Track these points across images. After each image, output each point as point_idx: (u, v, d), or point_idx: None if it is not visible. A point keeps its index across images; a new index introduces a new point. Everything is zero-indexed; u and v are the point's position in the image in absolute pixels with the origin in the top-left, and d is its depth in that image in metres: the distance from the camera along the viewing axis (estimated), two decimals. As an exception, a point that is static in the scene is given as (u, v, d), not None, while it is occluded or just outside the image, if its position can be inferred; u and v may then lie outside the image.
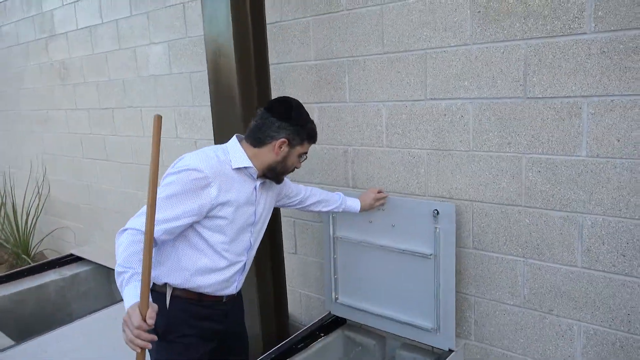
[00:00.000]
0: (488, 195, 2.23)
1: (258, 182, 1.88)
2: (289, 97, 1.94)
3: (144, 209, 1.61)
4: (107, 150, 4.32)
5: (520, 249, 2.18)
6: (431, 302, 2.40)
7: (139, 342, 1.40)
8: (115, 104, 4.12)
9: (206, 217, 1.77)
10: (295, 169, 1.98)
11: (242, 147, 1.87)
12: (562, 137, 1.97)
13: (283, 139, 1.85)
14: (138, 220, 1.64)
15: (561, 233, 2.05)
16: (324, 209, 2.37)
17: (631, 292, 1.92)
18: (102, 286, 4.38)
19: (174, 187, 1.69)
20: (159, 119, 1.37)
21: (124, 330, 1.43)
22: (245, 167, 1.85)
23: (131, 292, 1.48)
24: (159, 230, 1.65)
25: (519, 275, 2.20)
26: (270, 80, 2.69)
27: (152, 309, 1.43)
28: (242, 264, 1.92)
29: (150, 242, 1.42)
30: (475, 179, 2.25)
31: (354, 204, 2.42)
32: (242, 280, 1.99)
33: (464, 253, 2.35)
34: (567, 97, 1.94)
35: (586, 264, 2.01)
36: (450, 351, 2.38)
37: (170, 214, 1.68)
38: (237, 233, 1.85)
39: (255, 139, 1.87)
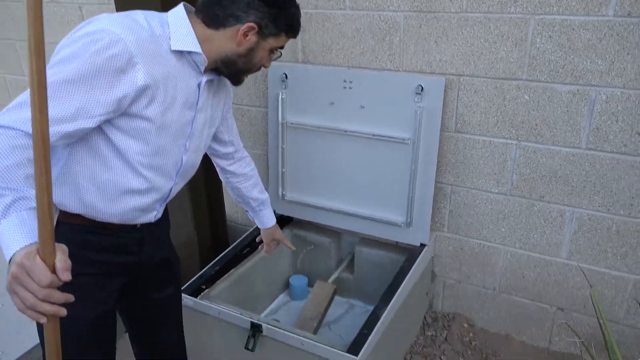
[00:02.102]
0: (481, 67, 1.85)
1: (204, 78, 1.31)
2: None
3: (25, 97, 1.01)
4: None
5: (514, 131, 1.88)
6: (404, 194, 2.08)
7: (48, 307, 0.87)
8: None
9: (123, 114, 1.18)
10: (263, 69, 1.39)
11: (191, 22, 1.25)
12: (586, -9, 1.60)
13: (251, 24, 1.25)
14: (16, 115, 1.02)
15: (567, 110, 1.76)
16: (247, 190, 1.76)
17: (639, 174, 1.73)
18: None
19: (76, 66, 1.06)
20: None
21: (16, 293, 0.88)
22: (189, 52, 1.24)
23: (15, 230, 0.91)
24: (52, 133, 1.05)
25: (508, 160, 1.93)
26: None
27: (63, 254, 0.90)
28: (167, 189, 1.37)
29: (46, 149, 0.83)
30: (466, 47, 1.85)
31: (272, 217, 1.89)
32: (164, 208, 1.46)
33: (445, 137, 2.01)
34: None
35: (592, 145, 1.76)
36: (422, 246, 2.14)
37: (69, 109, 1.07)
38: (165, 145, 1.28)
39: (211, 17, 1.25)
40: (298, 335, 1.72)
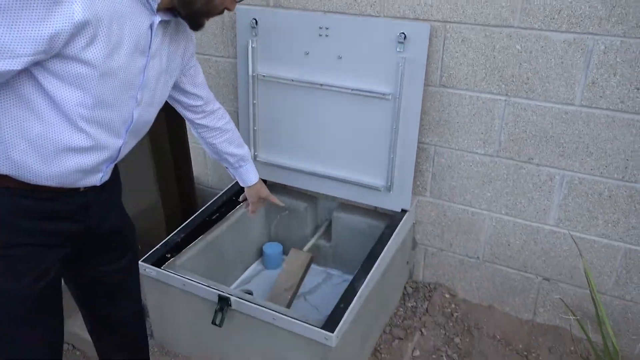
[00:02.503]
0: (469, 12, 1.68)
1: (157, 18, 1.13)
2: None
3: None
4: None
5: (503, 85, 1.73)
6: (384, 156, 1.93)
7: None
8: None
9: (57, 56, 0.99)
10: (226, 12, 1.22)
11: None
12: None
13: None
14: None
15: (562, 62, 1.61)
16: (222, 146, 1.62)
17: (635, 134, 1.60)
18: None
19: None
20: None
21: None
22: None
23: None
24: None
25: (496, 119, 1.78)
26: None
27: None
28: (115, 148, 1.19)
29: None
30: (454, -9, 1.67)
31: (254, 173, 1.76)
32: (112, 169, 1.28)
33: (428, 92, 1.85)
34: None
35: (587, 101, 1.63)
36: (404, 212, 2.00)
37: None
38: (111, 96, 1.10)
39: None
40: (270, 309, 1.58)
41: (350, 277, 2.23)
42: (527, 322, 2.06)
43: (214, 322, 1.64)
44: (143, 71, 1.14)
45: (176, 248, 1.89)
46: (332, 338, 1.48)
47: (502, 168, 1.84)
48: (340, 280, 2.26)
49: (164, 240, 1.90)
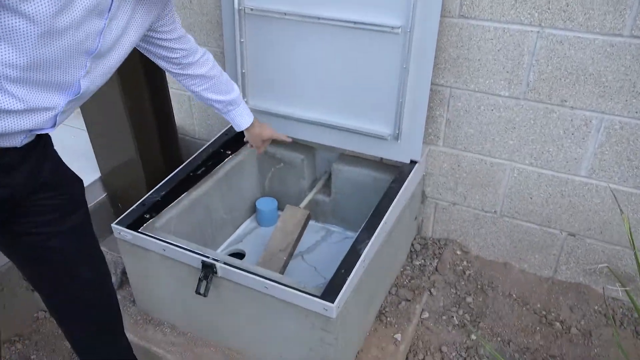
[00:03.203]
0: None
1: None
2: None
3: None
4: None
5: (536, 14, 1.45)
6: (392, 100, 1.67)
7: None
8: None
9: None
10: None
11: None
12: None
13: None
14: None
15: (611, -17, 1.33)
16: (206, 93, 1.49)
17: (695, 69, 1.34)
18: None
19: None
20: None
21: None
22: None
23: None
24: None
25: (526, 54, 1.51)
26: None
27: None
28: (48, 117, 1.00)
29: None
30: None
31: (245, 116, 1.63)
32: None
33: (445, 24, 1.57)
34: None
35: (638, 31, 1.35)
36: (413, 163, 1.77)
37: None
38: (52, 59, 0.91)
39: None
40: (261, 276, 1.38)
41: (352, 235, 2.05)
42: (547, 280, 1.88)
43: (197, 292, 1.44)
44: (99, 35, 0.96)
45: (156, 208, 1.67)
46: (332, 309, 1.29)
47: (528, 112, 1.60)
48: (341, 237, 2.06)
49: (142, 199, 1.67)
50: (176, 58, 1.35)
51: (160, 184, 1.74)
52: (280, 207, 2.15)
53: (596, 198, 1.63)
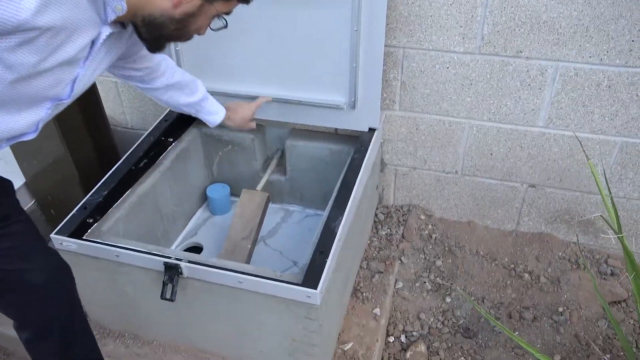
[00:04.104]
0: None
1: (106, 31, 0.94)
2: None
3: None
4: None
5: (487, -38, 1.39)
6: (345, 65, 1.58)
7: None
8: None
9: None
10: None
11: None
12: None
13: None
14: None
15: None
16: (175, 101, 1.45)
17: (644, 9, 1.35)
18: None
19: None
20: None
21: None
22: None
23: None
24: None
25: (479, 6, 1.46)
26: None
27: None
28: None
29: None
30: None
31: (215, 109, 1.55)
32: None
33: (393, -19, 1.49)
34: None
35: (589, -27, 1.34)
36: (372, 131, 1.70)
37: None
38: (11, 102, 0.89)
39: None
40: (232, 270, 1.27)
41: (311, 212, 1.96)
42: (510, 233, 1.90)
43: (163, 297, 1.31)
44: (70, 84, 0.95)
45: (99, 210, 1.49)
46: (316, 295, 1.20)
47: (484, 67, 1.56)
48: (301, 216, 1.97)
49: (82, 202, 1.49)
50: (140, 76, 1.30)
51: (101, 182, 1.56)
52: (234, 192, 2.02)
53: (554, 147, 1.64)
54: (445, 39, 1.54)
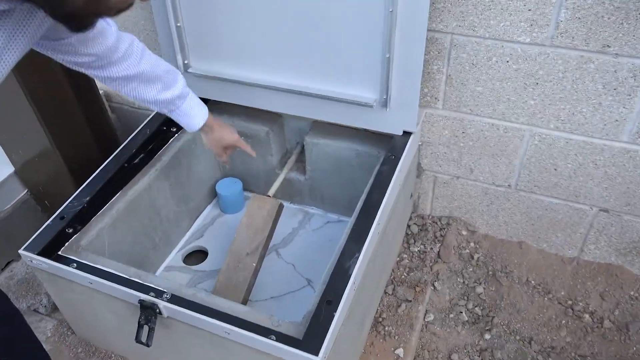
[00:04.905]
0: None
1: None
2: None
3: None
4: None
5: None
6: (376, 54, 1.26)
7: None
8: None
9: None
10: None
11: None
12: None
13: None
14: None
15: None
16: (140, 95, 1.14)
17: None
18: None
19: None
20: None
21: None
22: None
23: None
24: None
25: (557, -16, 1.10)
26: None
27: None
28: None
29: None
30: None
31: (196, 112, 1.22)
32: None
33: (444, -52, 1.14)
34: None
35: None
36: (407, 135, 1.39)
37: None
38: None
39: None
40: (219, 321, 1.03)
41: (334, 218, 1.70)
42: (571, 261, 1.57)
43: (138, 340, 1.09)
44: None
45: (79, 219, 1.28)
46: (317, 362, 0.96)
47: (557, 63, 1.21)
48: (322, 222, 1.71)
49: (59, 211, 1.28)
50: (87, 62, 1.01)
51: (83, 185, 1.35)
52: (246, 188, 1.77)
53: (640, 167, 1.29)
54: (507, 25, 1.19)
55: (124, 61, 1.06)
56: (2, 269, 1.66)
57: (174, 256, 1.62)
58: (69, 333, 1.46)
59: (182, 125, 1.25)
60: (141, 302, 1.07)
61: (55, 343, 1.44)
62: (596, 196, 1.39)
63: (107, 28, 0.99)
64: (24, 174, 1.65)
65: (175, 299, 1.08)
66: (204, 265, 1.59)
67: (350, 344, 1.21)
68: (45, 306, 1.52)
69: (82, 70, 1.04)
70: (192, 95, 1.22)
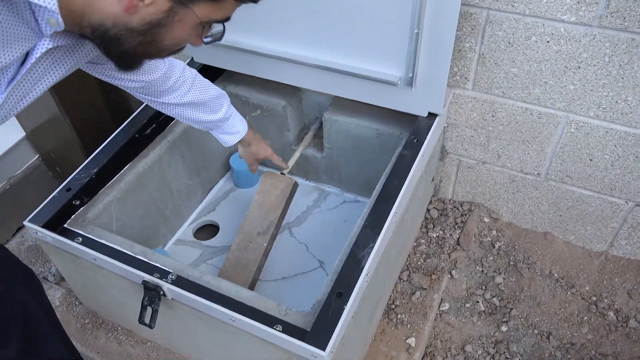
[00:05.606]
0: None
1: (45, 43, 0.68)
2: None
3: None
4: None
5: None
6: (403, 29, 1.16)
7: None
8: None
9: None
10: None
11: None
12: None
13: None
14: None
15: None
16: (185, 116, 1.17)
17: None
18: None
19: None
20: None
21: None
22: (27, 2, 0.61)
23: None
24: None
25: (611, -43, 0.98)
26: None
27: None
28: None
29: None
30: None
31: (237, 129, 1.26)
32: None
33: None
34: None
35: None
36: (432, 116, 1.30)
37: None
38: None
39: None
40: (224, 307, 0.99)
41: (351, 198, 1.63)
42: (598, 256, 1.49)
43: (141, 321, 1.06)
44: None
45: (87, 191, 1.24)
46: (323, 358, 0.91)
47: (603, 45, 1.09)
48: (338, 201, 1.65)
49: (65, 183, 1.24)
50: (135, 88, 1.04)
51: (91, 157, 1.30)
52: (261, 162, 1.71)
53: (685, 162, 1.18)
54: (550, 1, 1.08)
55: (173, 92, 1.08)
56: (14, 235, 1.64)
57: (185, 229, 1.58)
58: (76, 303, 1.45)
59: (219, 140, 1.28)
60: (145, 283, 1.03)
61: (63, 313, 1.42)
62: (633, 190, 1.29)
63: (159, 60, 0.98)
64: (34, 139, 1.62)
65: (180, 281, 1.04)
66: (214, 241, 1.55)
67: (359, 334, 1.16)
68: (54, 274, 1.50)
69: (130, 92, 1.06)
70: (235, 114, 1.23)
